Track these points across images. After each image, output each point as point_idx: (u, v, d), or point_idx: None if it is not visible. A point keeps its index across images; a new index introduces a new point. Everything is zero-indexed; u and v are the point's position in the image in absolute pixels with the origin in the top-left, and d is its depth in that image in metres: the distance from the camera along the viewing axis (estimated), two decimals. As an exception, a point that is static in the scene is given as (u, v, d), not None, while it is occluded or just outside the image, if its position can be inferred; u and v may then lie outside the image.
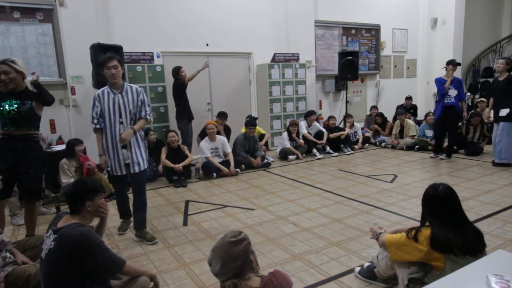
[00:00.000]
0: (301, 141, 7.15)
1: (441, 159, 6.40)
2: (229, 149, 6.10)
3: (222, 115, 6.65)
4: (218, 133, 6.24)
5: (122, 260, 2.09)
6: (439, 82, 6.19)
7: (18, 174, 3.21)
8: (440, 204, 2.09)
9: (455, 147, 6.76)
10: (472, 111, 7.31)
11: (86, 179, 2.24)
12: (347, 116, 8.05)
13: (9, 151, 3.15)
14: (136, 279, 2.20)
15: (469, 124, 6.83)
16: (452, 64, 6.12)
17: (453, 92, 6.10)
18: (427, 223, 2.14)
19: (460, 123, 6.80)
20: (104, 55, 3.37)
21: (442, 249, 1.99)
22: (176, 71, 6.20)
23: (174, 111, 6.37)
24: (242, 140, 6.47)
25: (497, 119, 5.67)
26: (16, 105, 3.11)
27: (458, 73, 10.12)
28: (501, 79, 5.67)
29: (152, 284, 2.28)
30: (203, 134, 6.33)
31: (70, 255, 1.88)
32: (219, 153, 6.06)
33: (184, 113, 6.23)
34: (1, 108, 3.09)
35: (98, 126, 3.28)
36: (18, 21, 5.70)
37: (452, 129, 6.39)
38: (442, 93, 6.14)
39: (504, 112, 5.53)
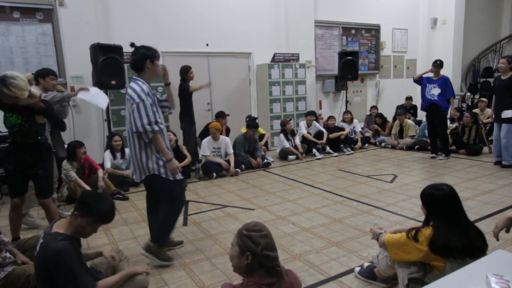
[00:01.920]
0: (298, 142, 7.08)
1: (440, 159, 6.40)
2: (231, 150, 6.09)
3: (224, 115, 6.58)
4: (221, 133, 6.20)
5: (92, 285, 1.97)
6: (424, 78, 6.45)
7: (29, 175, 3.24)
8: (442, 204, 2.09)
9: (454, 147, 6.76)
10: (462, 108, 7.29)
11: (110, 201, 2.14)
12: (345, 112, 8.07)
13: (16, 154, 3.18)
14: (134, 278, 2.20)
15: (464, 125, 6.80)
16: (432, 65, 6.29)
17: (436, 91, 6.17)
18: (431, 223, 2.13)
19: (456, 124, 6.78)
20: (148, 46, 3.07)
21: (441, 254, 1.99)
22: (185, 71, 5.87)
23: (174, 111, 6.32)
24: (242, 140, 6.46)
25: (499, 119, 5.62)
26: (20, 121, 3.07)
27: (458, 73, 10.17)
28: (504, 78, 5.56)
29: (149, 280, 2.26)
30: (203, 135, 6.31)
31: (45, 267, 1.92)
32: (221, 153, 6.06)
33: (188, 115, 6.00)
34: (10, 118, 3.08)
35: (162, 126, 2.87)
36: (18, 21, 5.70)
37: (440, 128, 6.38)
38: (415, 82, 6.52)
39: (508, 113, 5.44)
